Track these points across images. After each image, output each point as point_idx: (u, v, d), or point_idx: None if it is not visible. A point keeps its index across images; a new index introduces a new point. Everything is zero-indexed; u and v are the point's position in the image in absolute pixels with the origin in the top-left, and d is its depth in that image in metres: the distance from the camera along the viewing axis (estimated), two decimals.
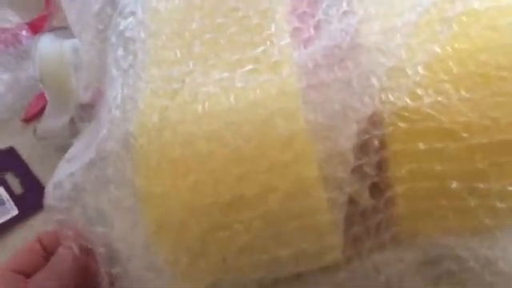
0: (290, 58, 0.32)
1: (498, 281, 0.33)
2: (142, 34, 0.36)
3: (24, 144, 0.55)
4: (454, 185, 0.30)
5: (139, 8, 0.37)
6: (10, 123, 0.57)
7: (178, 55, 0.34)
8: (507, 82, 0.29)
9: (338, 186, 0.31)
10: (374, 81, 0.30)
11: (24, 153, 0.54)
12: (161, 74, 0.34)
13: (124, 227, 0.33)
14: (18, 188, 0.52)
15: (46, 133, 0.51)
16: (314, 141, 0.30)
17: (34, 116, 0.57)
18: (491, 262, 0.33)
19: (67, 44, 0.49)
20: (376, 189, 0.32)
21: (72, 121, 0.46)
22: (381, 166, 0.31)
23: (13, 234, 0.48)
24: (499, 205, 0.30)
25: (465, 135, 0.30)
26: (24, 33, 0.60)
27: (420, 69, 0.30)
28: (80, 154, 0.36)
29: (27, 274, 0.34)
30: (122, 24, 0.36)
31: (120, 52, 0.35)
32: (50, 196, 0.35)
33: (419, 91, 0.30)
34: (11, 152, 0.55)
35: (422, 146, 0.30)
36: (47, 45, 0.49)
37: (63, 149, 0.39)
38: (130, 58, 0.35)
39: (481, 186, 0.30)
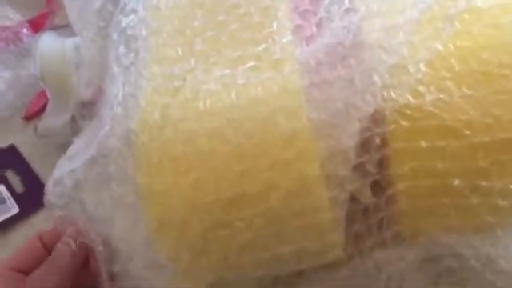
0: (291, 56, 0.32)
1: (498, 279, 0.33)
2: (144, 32, 0.36)
3: (25, 142, 0.55)
4: (456, 183, 0.30)
5: (141, 5, 0.37)
6: (11, 121, 0.57)
7: (180, 53, 0.34)
8: (509, 79, 0.29)
9: (340, 183, 0.31)
10: (376, 78, 0.30)
11: (25, 151, 0.54)
12: (162, 71, 0.34)
13: (125, 225, 0.33)
14: (18, 186, 0.51)
15: (46, 131, 0.51)
16: (316, 139, 0.30)
17: (34, 114, 0.57)
18: (492, 260, 0.33)
19: (68, 42, 0.48)
20: (377, 187, 0.32)
21: (73, 119, 0.46)
22: (382, 163, 0.31)
23: (14, 232, 0.48)
24: (501, 203, 0.30)
25: (467, 133, 0.30)
26: (25, 31, 0.60)
27: (422, 66, 0.30)
28: (81, 151, 0.36)
29: (28, 272, 0.33)
30: (124, 21, 0.36)
31: (121, 49, 0.35)
32: (51, 193, 0.35)
33: (421, 89, 0.30)
34: (12, 150, 0.55)
35: (423, 143, 0.30)
36: (48, 43, 0.49)
37: (64, 147, 0.39)
38: (132, 55, 0.35)
39: (483, 184, 0.30)
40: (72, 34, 0.46)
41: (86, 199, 0.34)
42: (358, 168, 0.31)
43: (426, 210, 0.32)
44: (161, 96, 0.33)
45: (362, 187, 0.31)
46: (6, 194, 0.50)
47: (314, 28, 0.33)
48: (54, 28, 0.53)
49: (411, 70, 0.30)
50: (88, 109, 0.40)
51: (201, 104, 0.32)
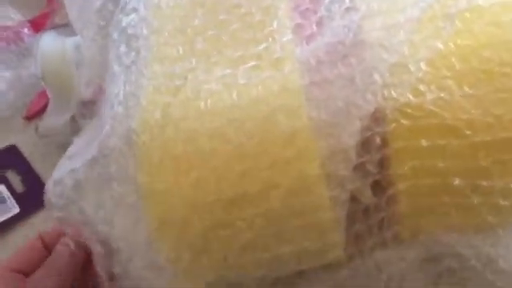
0: (292, 55, 0.32)
1: (499, 279, 0.33)
2: (145, 31, 0.36)
3: (26, 142, 0.55)
4: (457, 182, 0.30)
5: (141, 4, 0.37)
6: (12, 121, 0.57)
7: (181, 52, 0.34)
8: (510, 78, 0.29)
9: (340, 183, 0.31)
10: (377, 77, 0.30)
11: (26, 151, 0.54)
12: (163, 70, 0.34)
13: (126, 224, 0.33)
14: (19, 186, 0.51)
15: (47, 130, 0.51)
16: (316, 138, 0.30)
17: (35, 114, 0.57)
18: (493, 260, 0.33)
19: (69, 42, 0.48)
20: (378, 186, 0.32)
21: (73, 118, 0.46)
22: (383, 163, 0.31)
23: (14, 232, 0.48)
24: (502, 202, 0.30)
25: (468, 132, 0.29)
26: (26, 30, 0.60)
27: (423, 65, 0.30)
28: (81, 150, 0.36)
29: (28, 273, 0.33)
30: (125, 20, 0.36)
31: (122, 48, 0.35)
32: (51, 192, 0.35)
33: (422, 87, 0.30)
34: (13, 150, 0.55)
35: (424, 142, 0.30)
36: (49, 42, 0.49)
37: (65, 147, 0.39)
38: (133, 54, 0.35)
39: (484, 183, 0.30)
40: (72, 33, 0.46)
41: (87, 199, 0.34)
42: (359, 168, 0.31)
43: (426, 209, 0.32)
44: (162, 95, 0.33)
45: (362, 187, 0.31)
46: (6, 193, 0.50)
47: (315, 27, 0.33)
48: (55, 27, 0.53)
49: (412, 68, 0.30)
50: (88, 108, 0.40)
51: (202, 103, 0.32)
